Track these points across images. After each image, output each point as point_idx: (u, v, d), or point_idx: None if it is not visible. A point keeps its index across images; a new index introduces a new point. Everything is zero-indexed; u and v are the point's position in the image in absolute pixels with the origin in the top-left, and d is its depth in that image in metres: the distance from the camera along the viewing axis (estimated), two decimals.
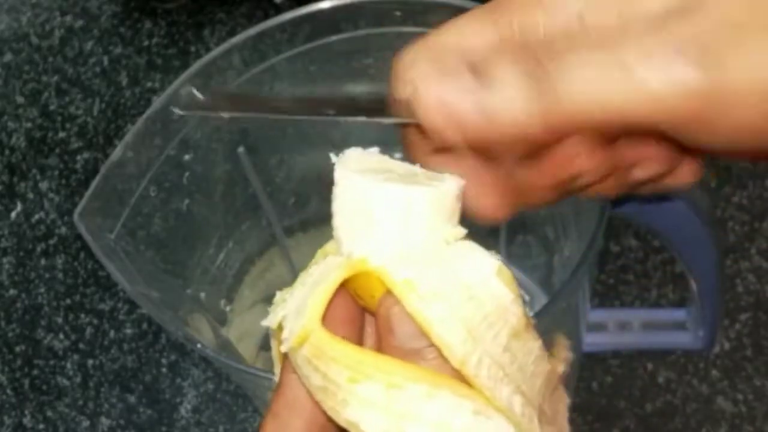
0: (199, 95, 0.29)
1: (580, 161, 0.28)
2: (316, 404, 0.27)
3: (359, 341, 0.28)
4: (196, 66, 0.47)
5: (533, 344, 0.27)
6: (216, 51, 0.48)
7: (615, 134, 0.27)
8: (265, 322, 0.29)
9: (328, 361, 0.26)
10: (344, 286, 0.28)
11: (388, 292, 0.26)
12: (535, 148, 0.28)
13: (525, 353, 0.27)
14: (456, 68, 0.27)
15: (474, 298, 0.26)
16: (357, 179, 0.28)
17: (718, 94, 0.25)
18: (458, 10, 0.46)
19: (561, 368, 0.30)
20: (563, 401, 0.30)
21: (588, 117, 0.26)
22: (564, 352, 0.32)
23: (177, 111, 0.30)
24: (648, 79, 0.25)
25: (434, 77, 0.27)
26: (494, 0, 0.29)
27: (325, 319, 0.27)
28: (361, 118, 0.30)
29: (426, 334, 0.26)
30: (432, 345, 0.26)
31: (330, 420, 0.27)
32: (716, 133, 0.26)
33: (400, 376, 0.25)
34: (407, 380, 0.25)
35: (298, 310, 0.27)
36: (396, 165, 0.29)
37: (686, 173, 0.31)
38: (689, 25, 0.25)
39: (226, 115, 0.31)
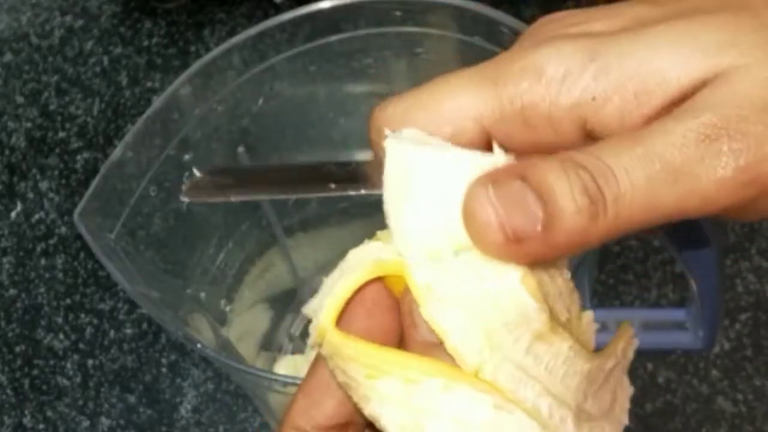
0: (199, 174, 0.29)
1: None
2: None
3: (391, 329, 0.28)
4: (196, 66, 0.47)
5: (562, 345, 0.26)
6: (216, 51, 0.48)
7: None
8: (304, 309, 0.28)
9: (345, 360, 0.26)
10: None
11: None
12: None
13: (553, 355, 0.26)
14: (510, 181, 0.25)
15: (496, 305, 0.25)
16: (405, 147, 0.27)
17: (766, 181, 0.25)
18: (458, 10, 0.47)
19: (611, 363, 0.29)
20: (624, 392, 0.29)
21: (644, 222, 0.25)
22: (621, 343, 0.30)
23: (184, 199, 0.30)
24: (698, 181, 0.25)
25: (491, 195, 0.25)
26: (489, 64, 0.28)
27: (346, 315, 0.27)
28: (363, 192, 0.29)
29: (440, 340, 0.25)
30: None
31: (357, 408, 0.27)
32: (759, 212, 0.26)
33: (416, 370, 0.25)
34: (423, 374, 0.25)
35: (320, 305, 0.27)
36: (451, 146, 0.27)
37: None
38: (718, 114, 0.25)
39: (233, 199, 0.31)
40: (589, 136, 0.27)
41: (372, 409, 0.26)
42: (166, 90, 0.47)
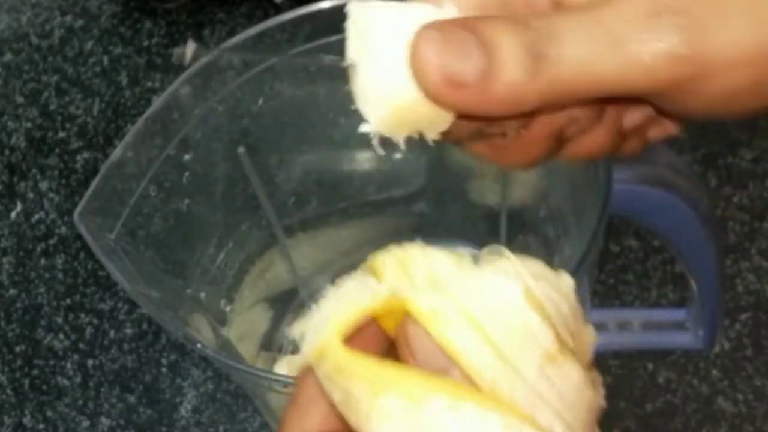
0: (202, 48, 0.29)
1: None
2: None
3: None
4: (195, 66, 0.47)
5: (571, 370, 0.26)
6: (216, 51, 0.48)
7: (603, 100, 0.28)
8: (290, 333, 0.28)
9: (348, 377, 0.26)
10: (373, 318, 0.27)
11: (406, 315, 0.26)
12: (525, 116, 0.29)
13: (563, 379, 0.26)
14: (456, 30, 0.27)
15: (504, 323, 0.25)
16: (364, 7, 0.27)
17: (704, 62, 0.26)
18: None
19: (601, 401, 0.29)
20: None
21: (582, 88, 0.26)
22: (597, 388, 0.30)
23: (186, 58, 0.30)
24: (638, 51, 0.26)
25: (436, 38, 0.27)
26: None
27: (350, 342, 0.27)
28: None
29: (454, 361, 0.25)
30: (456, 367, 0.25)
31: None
32: (700, 100, 0.27)
33: (421, 388, 0.25)
34: (428, 392, 0.24)
35: (318, 326, 0.27)
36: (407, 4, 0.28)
37: (671, 125, 0.32)
38: None
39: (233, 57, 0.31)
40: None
41: (372, 428, 0.25)
42: (166, 90, 0.47)
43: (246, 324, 0.56)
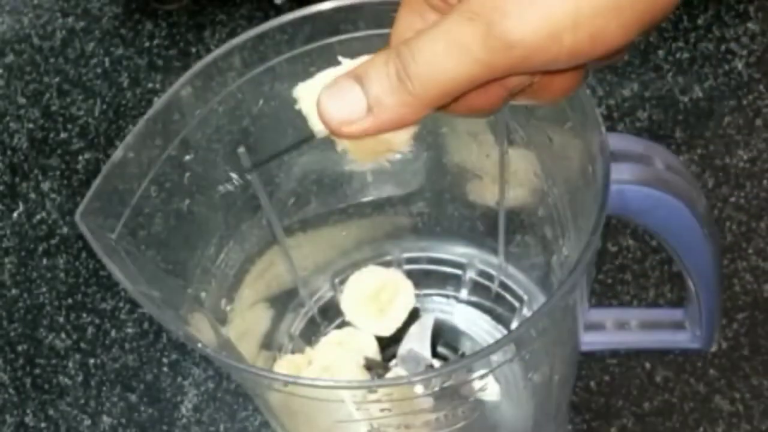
0: None
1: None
2: None
3: None
4: (196, 67, 0.47)
5: None
6: (216, 52, 0.48)
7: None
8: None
9: None
10: None
11: None
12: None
13: None
14: (341, 80, 0.32)
15: None
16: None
17: (521, 48, 0.29)
18: None
19: None
20: None
21: (447, 92, 0.31)
22: None
23: None
24: (470, 49, 0.30)
25: (327, 93, 0.32)
26: None
27: None
28: None
29: None
30: None
31: None
32: (541, 68, 0.30)
33: None
34: None
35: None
36: None
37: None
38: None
39: None
40: None
41: None
42: (167, 91, 0.47)
43: (246, 323, 0.56)
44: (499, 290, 0.59)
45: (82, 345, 0.64)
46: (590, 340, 0.55)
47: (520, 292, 0.58)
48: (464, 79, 0.30)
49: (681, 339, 0.55)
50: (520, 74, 0.32)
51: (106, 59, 0.75)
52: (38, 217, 0.69)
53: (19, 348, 0.64)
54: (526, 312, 0.58)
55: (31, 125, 0.73)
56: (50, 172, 0.71)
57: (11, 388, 0.63)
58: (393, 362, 0.57)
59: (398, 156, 0.36)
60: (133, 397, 0.61)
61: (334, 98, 0.32)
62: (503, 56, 0.30)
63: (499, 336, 0.58)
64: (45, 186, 0.70)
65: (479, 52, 0.30)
